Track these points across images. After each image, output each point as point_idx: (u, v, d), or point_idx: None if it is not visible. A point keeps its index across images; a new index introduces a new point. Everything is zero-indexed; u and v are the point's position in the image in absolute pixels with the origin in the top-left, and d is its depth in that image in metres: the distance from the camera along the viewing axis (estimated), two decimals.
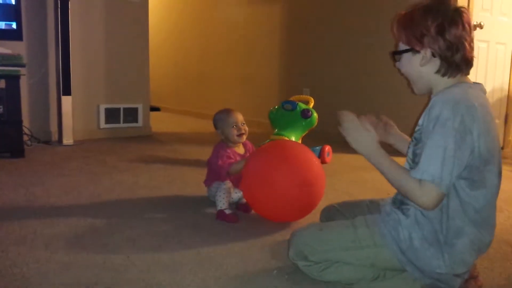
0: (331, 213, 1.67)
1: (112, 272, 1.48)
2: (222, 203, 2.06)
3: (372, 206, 1.59)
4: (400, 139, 1.56)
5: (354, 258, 1.39)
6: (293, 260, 1.47)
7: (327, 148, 3.39)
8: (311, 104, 3.34)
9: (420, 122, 1.31)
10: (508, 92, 4.15)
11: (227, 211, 2.03)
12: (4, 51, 3.23)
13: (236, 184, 2.22)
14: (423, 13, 1.29)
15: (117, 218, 2.02)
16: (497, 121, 4.07)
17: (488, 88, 3.93)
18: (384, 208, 1.43)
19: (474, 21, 3.67)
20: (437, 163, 1.20)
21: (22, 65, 3.28)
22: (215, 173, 2.23)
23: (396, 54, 1.37)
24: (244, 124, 2.25)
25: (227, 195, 2.09)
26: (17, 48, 3.45)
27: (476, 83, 1.35)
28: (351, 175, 2.99)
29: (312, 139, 3.63)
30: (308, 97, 3.45)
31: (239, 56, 5.67)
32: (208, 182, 2.28)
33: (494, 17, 3.87)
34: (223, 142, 2.27)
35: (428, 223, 1.30)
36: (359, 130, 1.34)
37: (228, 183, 2.15)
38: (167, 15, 6.96)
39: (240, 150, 2.28)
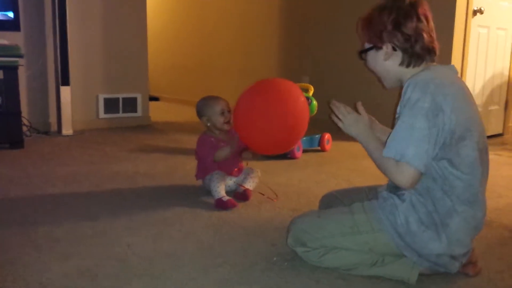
0: (330, 201, 1.67)
1: (113, 261, 1.49)
2: (217, 192, 2.07)
3: (370, 193, 1.60)
4: (384, 133, 1.55)
5: (352, 243, 1.40)
6: (292, 246, 1.48)
7: (327, 136, 3.39)
8: (311, 92, 3.33)
9: (397, 110, 1.36)
10: (509, 78, 4.13)
11: (225, 198, 2.04)
12: (1, 41, 3.21)
13: (229, 171, 2.22)
14: (379, 12, 1.37)
15: (117, 207, 2.03)
16: (497, 107, 4.06)
17: (488, 74, 3.93)
18: (381, 193, 1.44)
19: (474, 7, 3.64)
20: (408, 143, 1.24)
21: (20, 56, 3.26)
22: (204, 164, 2.23)
23: (362, 53, 1.44)
24: (230, 111, 2.22)
25: (221, 183, 2.10)
26: (15, 39, 3.44)
27: (445, 65, 1.39)
28: (350, 162, 2.99)
29: (312, 127, 3.61)
30: (308, 85, 3.43)
31: (237, 45, 5.65)
32: (200, 175, 2.27)
33: (495, 2, 3.83)
34: (207, 132, 2.24)
35: (423, 206, 1.32)
36: (352, 115, 1.42)
37: (219, 172, 2.15)
38: (165, 4, 6.91)
39: (225, 138, 2.24)
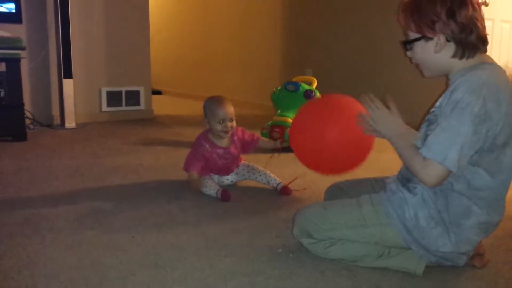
0: (335, 192, 1.66)
1: (117, 252, 1.48)
2: (211, 190, 2.07)
3: (376, 185, 1.58)
4: (411, 134, 1.50)
5: (359, 236, 1.39)
6: (297, 238, 1.48)
7: None
8: (314, 85, 3.31)
9: (437, 104, 1.29)
10: None
11: (219, 192, 2.04)
12: (3, 34, 3.20)
13: (223, 172, 2.23)
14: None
15: (121, 200, 2.02)
16: None
17: None
18: (389, 186, 1.43)
19: None
20: (452, 146, 1.17)
21: (22, 48, 3.25)
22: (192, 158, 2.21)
23: (408, 44, 1.32)
24: (232, 120, 2.13)
25: (207, 181, 2.11)
26: (16, 31, 3.43)
27: (494, 63, 1.31)
28: None
29: None
30: (311, 77, 3.42)
31: (240, 38, 5.62)
32: (186, 166, 2.21)
33: None
34: (206, 134, 2.20)
35: (433, 203, 1.30)
36: (384, 113, 1.35)
37: (201, 178, 2.15)
38: None
39: (224, 142, 2.20)
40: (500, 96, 1.19)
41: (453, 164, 1.18)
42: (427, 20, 1.25)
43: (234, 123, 2.15)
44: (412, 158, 1.25)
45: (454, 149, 1.18)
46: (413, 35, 1.30)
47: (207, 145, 2.17)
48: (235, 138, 2.22)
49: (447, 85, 1.30)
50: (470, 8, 1.24)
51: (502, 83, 1.23)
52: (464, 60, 1.27)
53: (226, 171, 2.25)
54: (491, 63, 1.28)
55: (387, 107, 1.37)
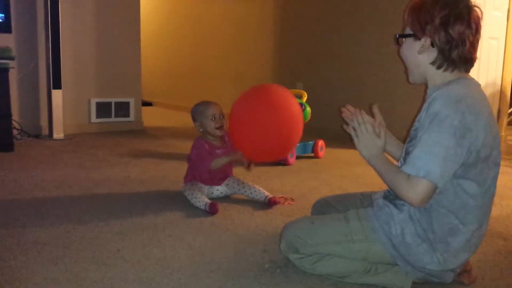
0: (323, 207, 1.65)
1: (101, 266, 1.46)
2: (200, 202, 2.05)
3: (364, 199, 1.58)
4: (398, 148, 1.50)
5: (346, 251, 1.38)
6: (284, 253, 1.46)
7: (320, 142, 3.38)
8: (304, 99, 3.32)
9: (418, 117, 1.29)
10: (501, 87, 4.15)
11: (207, 205, 2.02)
12: None
13: (213, 181, 2.22)
14: (432, 2, 1.26)
15: (107, 212, 1.99)
16: None
17: (481, 83, 3.94)
18: (376, 201, 1.42)
19: None
20: (434, 159, 1.17)
21: (11, 58, 3.23)
22: (194, 169, 2.23)
23: (399, 37, 1.35)
24: (222, 117, 2.20)
25: (197, 192, 2.10)
26: (6, 41, 3.41)
27: (472, 78, 1.33)
28: (343, 170, 2.98)
29: (305, 134, 3.60)
30: (301, 91, 3.43)
31: (231, 51, 5.64)
32: (188, 178, 2.27)
33: (487, 11, 3.86)
34: (202, 138, 2.24)
35: (418, 221, 1.29)
36: (370, 136, 1.33)
37: (191, 184, 2.18)
38: (159, 9, 6.90)
39: (220, 142, 2.24)
40: (476, 109, 1.21)
41: (437, 177, 1.17)
42: (422, 20, 1.27)
43: (224, 121, 2.21)
44: (395, 178, 1.24)
45: (437, 161, 1.17)
46: (407, 31, 1.33)
47: (206, 146, 2.20)
48: (227, 138, 2.27)
49: (424, 99, 1.31)
50: (465, 25, 1.24)
51: (479, 96, 1.25)
52: (440, 71, 1.29)
53: (221, 176, 2.25)
54: (469, 79, 1.30)
55: (371, 114, 1.36)
